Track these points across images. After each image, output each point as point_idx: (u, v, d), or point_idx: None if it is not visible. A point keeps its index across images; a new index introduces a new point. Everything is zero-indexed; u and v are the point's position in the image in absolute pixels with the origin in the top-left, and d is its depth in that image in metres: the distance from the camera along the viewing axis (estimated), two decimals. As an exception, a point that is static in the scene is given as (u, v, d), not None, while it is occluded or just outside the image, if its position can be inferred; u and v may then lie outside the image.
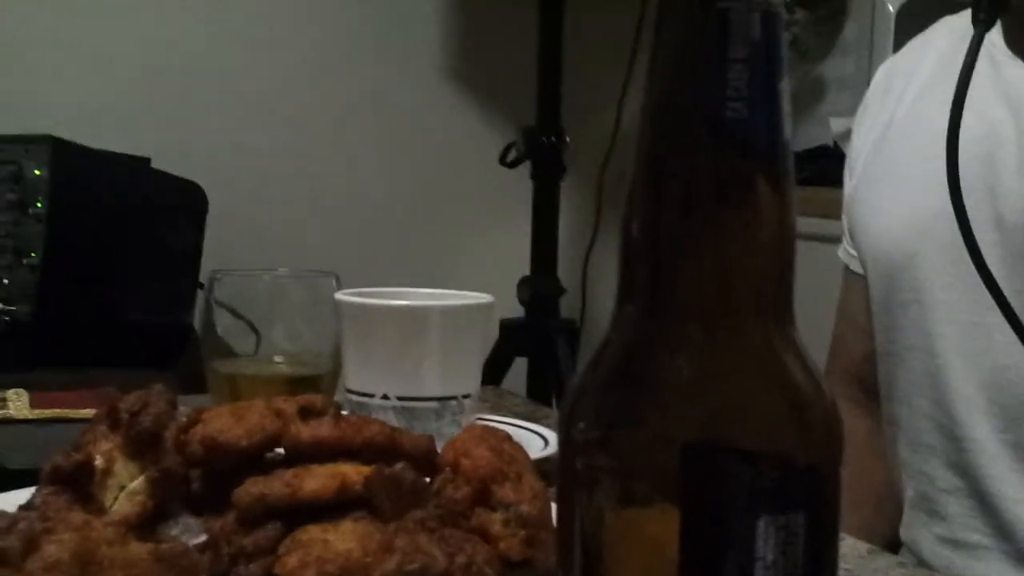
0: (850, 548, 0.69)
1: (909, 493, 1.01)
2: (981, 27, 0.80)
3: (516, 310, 2.02)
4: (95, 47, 1.98)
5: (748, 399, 0.37)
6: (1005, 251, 0.87)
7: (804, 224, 0.41)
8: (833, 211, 1.15)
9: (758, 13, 0.36)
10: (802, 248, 0.39)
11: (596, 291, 2.20)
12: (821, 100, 2.12)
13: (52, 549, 0.51)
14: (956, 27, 0.98)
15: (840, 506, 0.37)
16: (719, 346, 0.37)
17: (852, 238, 1.08)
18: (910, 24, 1.18)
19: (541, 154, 2.00)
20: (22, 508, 0.58)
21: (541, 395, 1.88)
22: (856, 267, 1.08)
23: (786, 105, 0.37)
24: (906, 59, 1.09)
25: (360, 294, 0.86)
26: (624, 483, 0.36)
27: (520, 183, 2.05)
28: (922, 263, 0.95)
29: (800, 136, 2.03)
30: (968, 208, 0.79)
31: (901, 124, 1.03)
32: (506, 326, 1.97)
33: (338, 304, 0.85)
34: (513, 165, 2.01)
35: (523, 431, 0.86)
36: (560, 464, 0.39)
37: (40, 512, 0.55)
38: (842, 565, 0.65)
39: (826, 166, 1.66)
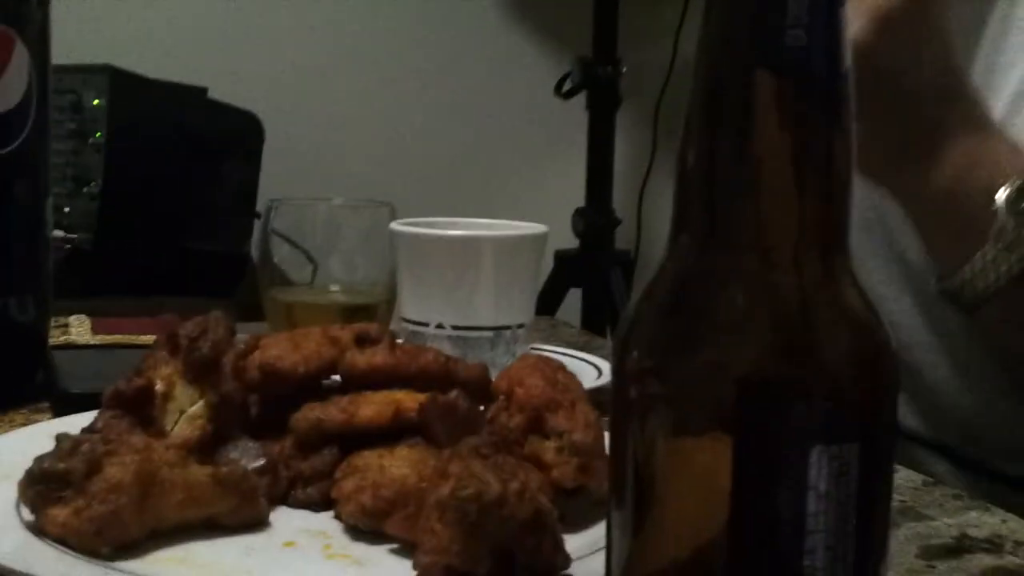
0: (904, 479, 0.69)
1: None
2: None
3: (571, 241, 2.02)
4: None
5: (803, 329, 0.36)
6: None
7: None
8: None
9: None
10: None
11: (651, 222, 2.19)
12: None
13: (114, 471, 0.52)
14: None
15: (896, 438, 0.37)
16: (774, 276, 0.37)
17: None
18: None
19: (597, 84, 1.99)
20: (84, 431, 0.59)
21: (595, 326, 1.89)
22: None
23: (846, 33, 0.36)
24: None
25: (415, 224, 0.86)
26: (677, 412, 0.37)
27: (576, 113, 2.03)
28: None
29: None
30: None
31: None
32: (561, 257, 1.97)
33: (393, 234, 0.86)
34: (569, 95, 2.00)
35: (577, 361, 0.86)
36: (613, 392, 0.39)
37: (102, 435, 0.57)
38: (897, 497, 0.65)
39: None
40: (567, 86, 2.00)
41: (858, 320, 0.37)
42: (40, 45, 0.81)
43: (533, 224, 0.87)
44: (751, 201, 0.36)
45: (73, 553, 0.51)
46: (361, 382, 0.61)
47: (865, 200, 0.89)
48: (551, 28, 2.23)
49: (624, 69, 2.00)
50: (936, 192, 0.71)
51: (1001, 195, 0.70)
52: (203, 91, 1.72)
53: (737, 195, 0.37)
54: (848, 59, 0.36)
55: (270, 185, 1.68)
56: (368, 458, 0.56)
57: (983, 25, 0.85)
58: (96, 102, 1.55)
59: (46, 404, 0.78)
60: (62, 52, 0.85)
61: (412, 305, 0.84)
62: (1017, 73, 0.83)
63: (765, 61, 0.36)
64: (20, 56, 0.79)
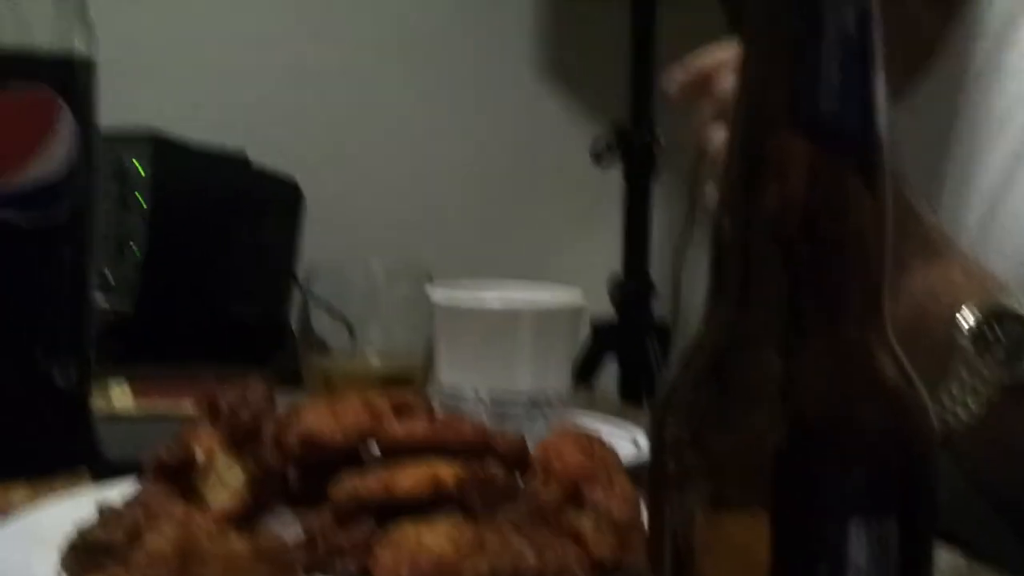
0: (948, 562, 0.68)
1: None
2: None
3: (607, 308, 2.02)
4: (197, 45, 2.02)
5: (841, 400, 0.36)
6: None
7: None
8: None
9: (852, 5, 0.36)
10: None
11: (688, 290, 2.19)
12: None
13: (155, 542, 0.52)
14: None
15: (936, 511, 0.37)
16: (811, 346, 0.37)
17: None
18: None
19: (634, 151, 1.99)
20: (126, 501, 0.60)
21: (632, 394, 1.88)
22: None
23: (881, 98, 0.36)
24: None
25: (453, 289, 0.86)
26: (715, 484, 0.36)
27: (613, 180, 2.04)
28: None
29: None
30: None
31: None
32: (597, 325, 1.97)
33: (432, 305, 0.86)
34: (605, 163, 2.01)
35: (614, 431, 0.86)
36: (651, 464, 0.39)
37: (143, 505, 0.57)
38: None
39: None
40: (604, 153, 2.00)
41: (896, 390, 0.37)
42: (86, 112, 0.82)
43: (571, 294, 0.87)
44: (786, 270, 0.37)
45: (112, 623, 0.51)
46: (399, 452, 0.62)
47: None
48: (588, 95, 2.25)
49: (661, 136, 2.00)
50: (896, 325, 0.70)
51: (963, 325, 0.69)
52: (245, 157, 1.74)
53: (772, 263, 0.37)
54: (884, 124, 0.37)
55: (310, 251, 1.69)
56: (406, 530, 0.56)
57: (956, 117, 0.85)
58: (140, 169, 1.57)
59: (86, 470, 0.79)
60: (107, 119, 0.86)
61: (450, 374, 0.85)
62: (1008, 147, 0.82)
63: (799, 128, 0.36)
64: (66, 123, 0.80)
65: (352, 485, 0.59)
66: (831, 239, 0.36)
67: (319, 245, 1.73)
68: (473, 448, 0.61)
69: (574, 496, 0.57)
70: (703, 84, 0.75)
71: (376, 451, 0.63)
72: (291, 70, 2.07)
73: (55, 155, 0.79)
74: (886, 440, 0.36)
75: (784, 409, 0.36)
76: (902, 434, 0.36)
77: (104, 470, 0.74)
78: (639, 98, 2.02)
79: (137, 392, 0.96)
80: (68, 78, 0.80)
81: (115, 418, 0.89)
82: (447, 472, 0.58)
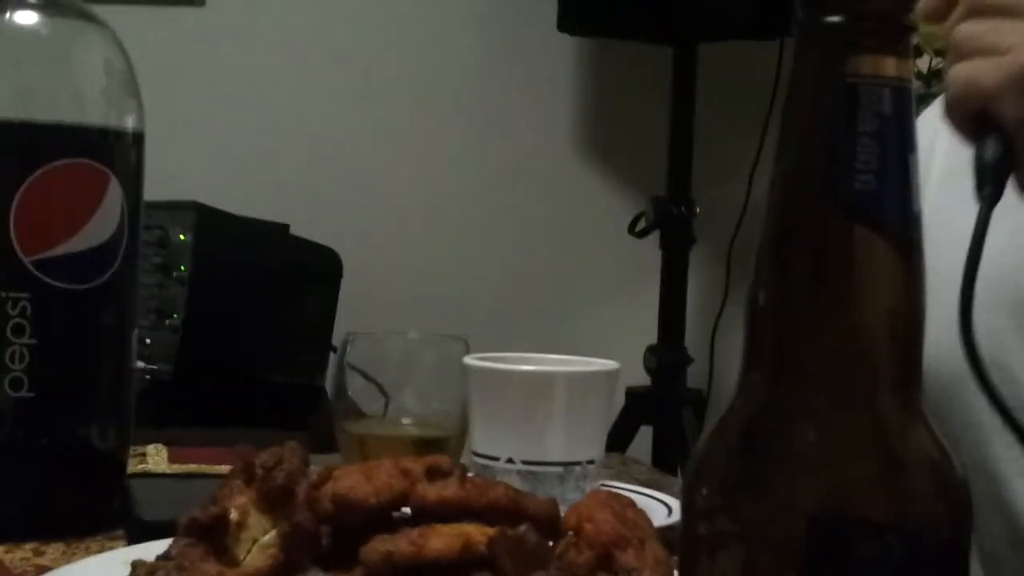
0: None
1: None
2: (986, 203, 0.76)
3: (643, 378, 2.01)
4: (239, 119, 2.05)
5: (874, 469, 0.36)
6: None
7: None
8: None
9: (888, 88, 0.36)
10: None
11: (723, 361, 2.18)
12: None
13: (187, 598, 0.52)
14: None
15: (968, 580, 0.37)
16: (845, 415, 0.37)
17: None
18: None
19: (671, 224, 2.00)
20: (159, 558, 0.60)
21: (666, 464, 1.86)
22: None
23: (916, 177, 0.37)
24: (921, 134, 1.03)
25: (488, 359, 0.87)
26: (747, 551, 0.36)
27: (649, 252, 2.05)
28: (971, 382, 0.90)
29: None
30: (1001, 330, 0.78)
31: (929, 220, 0.96)
32: (632, 394, 1.96)
33: (466, 368, 0.86)
34: (643, 234, 2.02)
35: (647, 498, 0.86)
36: (683, 530, 0.39)
37: (176, 562, 0.57)
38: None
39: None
40: (641, 225, 2.01)
41: (931, 460, 0.37)
42: (133, 183, 0.83)
43: (605, 360, 0.87)
44: (822, 340, 0.37)
45: None
46: (431, 515, 0.62)
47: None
48: (626, 168, 2.26)
49: (698, 209, 2.01)
50: None
51: None
52: (285, 227, 1.76)
53: (808, 334, 0.37)
54: (918, 202, 0.37)
55: (347, 318, 1.70)
56: (437, 592, 0.56)
57: None
58: (182, 237, 1.59)
59: (121, 532, 0.79)
60: (152, 189, 0.88)
61: (483, 439, 0.85)
62: None
63: (835, 205, 0.36)
64: (114, 193, 0.81)
65: (384, 546, 0.59)
66: (866, 312, 0.36)
67: (356, 313, 1.74)
68: (505, 511, 0.61)
69: (606, 560, 0.56)
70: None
71: (409, 514, 0.64)
72: (333, 146, 2.10)
73: (102, 225, 0.81)
74: (920, 511, 0.36)
75: (819, 478, 0.36)
76: (936, 505, 0.36)
77: (139, 532, 0.75)
78: (677, 171, 2.03)
79: (173, 455, 0.97)
80: (117, 152, 0.82)
81: (151, 480, 0.89)
82: (478, 534, 0.58)
